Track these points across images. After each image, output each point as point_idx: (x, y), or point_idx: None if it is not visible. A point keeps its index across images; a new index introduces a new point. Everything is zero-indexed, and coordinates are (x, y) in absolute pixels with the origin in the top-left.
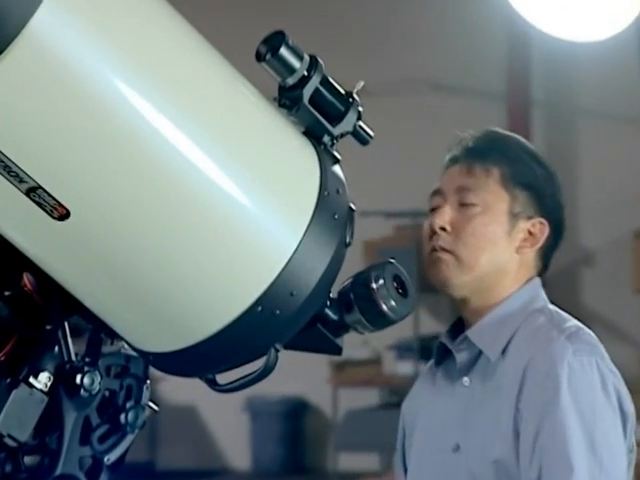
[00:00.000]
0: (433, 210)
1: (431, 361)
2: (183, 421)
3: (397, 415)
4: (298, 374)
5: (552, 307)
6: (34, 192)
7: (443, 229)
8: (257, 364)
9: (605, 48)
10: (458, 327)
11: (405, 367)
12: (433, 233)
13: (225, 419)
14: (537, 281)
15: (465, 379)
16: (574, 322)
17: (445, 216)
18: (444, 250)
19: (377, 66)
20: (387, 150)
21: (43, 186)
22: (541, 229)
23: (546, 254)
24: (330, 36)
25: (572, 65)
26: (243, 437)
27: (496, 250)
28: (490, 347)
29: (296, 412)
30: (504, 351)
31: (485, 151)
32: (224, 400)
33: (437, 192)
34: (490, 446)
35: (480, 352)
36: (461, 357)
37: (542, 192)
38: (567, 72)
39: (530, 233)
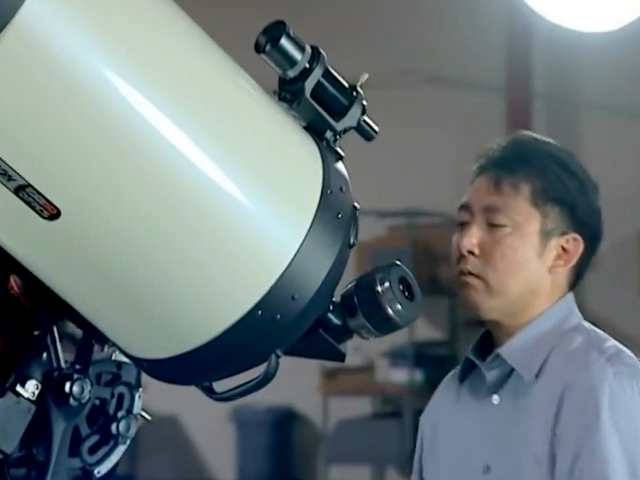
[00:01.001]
0: (461, 225)
1: (450, 374)
2: (165, 431)
3: (390, 425)
4: (286, 382)
5: (587, 324)
6: (23, 191)
7: (471, 252)
8: (256, 371)
9: (611, 39)
10: (485, 342)
11: (399, 375)
12: (461, 255)
13: (209, 429)
14: (570, 297)
15: (495, 397)
16: (613, 342)
17: (473, 238)
18: (472, 275)
19: (372, 57)
20: (381, 145)
21: (32, 184)
22: (575, 245)
23: (580, 269)
24: (325, 27)
25: (576, 56)
26: (228, 448)
27: (527, 273)
28: (525, 367)
29: (284, 422)
30: (538, 371)
31: (513, 164)
32: (208, 409)
33: (465, 207)
34: (520, 469)
35: (511, 370)
36: (491, 375)
37: (575, 206)
38: (571, 63)
39: (563, 249)
